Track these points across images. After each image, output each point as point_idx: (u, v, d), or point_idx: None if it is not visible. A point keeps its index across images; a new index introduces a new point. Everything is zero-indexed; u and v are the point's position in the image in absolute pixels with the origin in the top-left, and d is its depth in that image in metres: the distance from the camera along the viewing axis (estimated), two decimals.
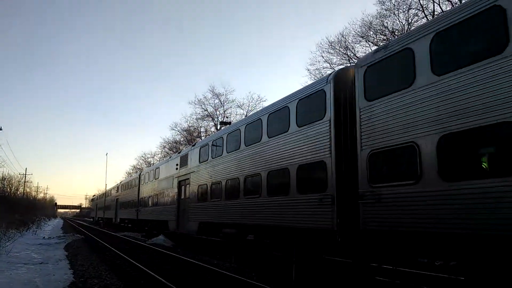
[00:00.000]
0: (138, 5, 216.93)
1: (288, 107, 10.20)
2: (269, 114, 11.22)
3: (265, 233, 11.18)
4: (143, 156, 71.58)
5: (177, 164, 19.62)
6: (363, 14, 40.20)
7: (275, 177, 10.55)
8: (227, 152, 13.72)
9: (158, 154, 61.65)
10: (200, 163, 16.35)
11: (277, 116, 10.83)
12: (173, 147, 53.10)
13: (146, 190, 25.82)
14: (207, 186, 15.20)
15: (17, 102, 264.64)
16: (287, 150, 9.97)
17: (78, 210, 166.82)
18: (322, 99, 8.83)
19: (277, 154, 10.39)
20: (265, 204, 10.80)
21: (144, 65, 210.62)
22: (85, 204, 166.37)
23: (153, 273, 10.21)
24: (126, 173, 78.93)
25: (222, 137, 14.37)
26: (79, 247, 18.89)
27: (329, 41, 31.09)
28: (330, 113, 8.53)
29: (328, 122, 8.54)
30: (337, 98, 8.52)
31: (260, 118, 11.69)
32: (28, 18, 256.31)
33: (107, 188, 50.91)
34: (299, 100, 9.81)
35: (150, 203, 24.48)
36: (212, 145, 15.27)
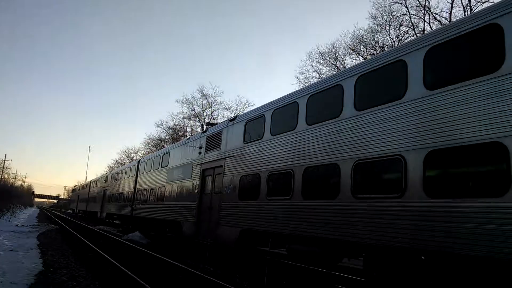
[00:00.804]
0: (131, 6, 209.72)
1: (501, 25, 5.27)
2: (432, 47, 6.27)
3: (403, 260, 6.24)
4: (126, 151, 70.00)
5: (200, 147, 14.47)
6: (355, 27, 41.41)
7: (448, 162, 5.64)
8: (308, 125, 8.73)
9: (142, 150, 60.60)
10: (246, 143, 11.28)
11: (449, 50, 5.92)
12: (157, 144, 51.82)
13: (148, 181, 20.48)
14: (259, 176, 10.15)
15: None
16: (496, 105, 5.05)
17: (55, 201, 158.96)
18: None
19: (453, 116, 5.46)
20: (424, 212, 5.85)
21: (132, 61, 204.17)
22: (63, 195, 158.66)
23: (122, 267, 9.52)
24: (108, 166, 76.42)
25: (297, 101, 9.35)
26: (52, 237, 18.39)
27: (319, 51, 31.01)
28: None
29: None
30: None
31: (401, 59, 6.74)
32: (16, 14, 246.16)
33: (92, 178, 45.24)
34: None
35: (152, 197, 19.16)
36: (273, 116, 10.24)
